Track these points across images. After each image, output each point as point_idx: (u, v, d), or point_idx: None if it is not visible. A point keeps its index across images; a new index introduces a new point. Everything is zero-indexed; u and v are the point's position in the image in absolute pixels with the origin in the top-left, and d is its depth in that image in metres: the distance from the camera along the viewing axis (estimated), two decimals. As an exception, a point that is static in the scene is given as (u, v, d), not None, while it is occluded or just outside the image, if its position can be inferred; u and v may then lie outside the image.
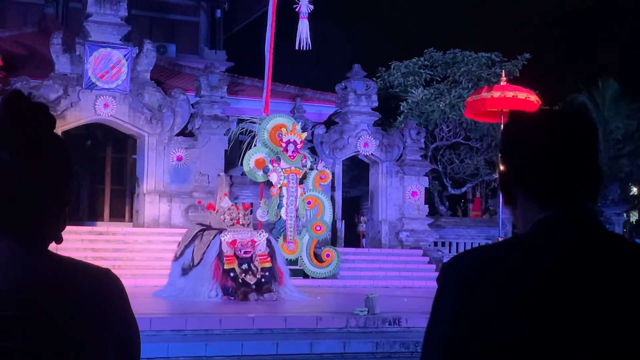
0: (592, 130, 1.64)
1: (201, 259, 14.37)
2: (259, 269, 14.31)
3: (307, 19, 20.40)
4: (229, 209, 15.19)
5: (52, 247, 1.53)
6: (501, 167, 1.68)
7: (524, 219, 1.64)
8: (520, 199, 1.65)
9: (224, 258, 14.21)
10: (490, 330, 1.50)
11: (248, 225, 15.10)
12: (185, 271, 14.61)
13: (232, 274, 14.18)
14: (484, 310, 1.51)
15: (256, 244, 14.46)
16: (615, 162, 28.81)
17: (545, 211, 1.60)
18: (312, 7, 20.37)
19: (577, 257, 1.53)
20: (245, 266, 14.22)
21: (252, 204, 20.20)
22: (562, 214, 1.59)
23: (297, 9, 20.39)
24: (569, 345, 1.48)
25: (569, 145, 1.60)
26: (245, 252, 14.26)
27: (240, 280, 14.16)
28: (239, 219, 14.98)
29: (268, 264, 14.45)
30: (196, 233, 15.06)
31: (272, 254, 14.64)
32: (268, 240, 14.76)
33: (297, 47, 20.31)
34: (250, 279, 14.17)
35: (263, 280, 14.21)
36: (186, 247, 14.94)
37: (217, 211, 15.36)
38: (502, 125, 16.97)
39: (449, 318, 1.54)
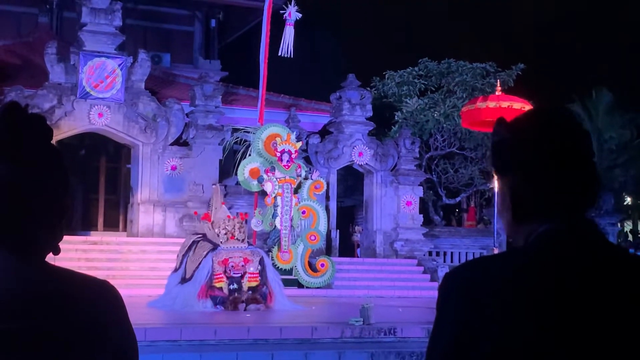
0: (583, 131, 1.62)
1: (192, 275, 14.29)
2: (246, 288, 14.26)
3: (293, 27, 20.42)
4: (224, 221, 14.99)
5: (49, 257, 1.53)
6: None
7: (525, 232, 1.62)
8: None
9: (214, 277, 14.16)
10: (490, 341, 1.50)
11: (243, 240, 14.83)
12: (182, 280, 14.54)
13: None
14: (485, 320, 1.51)
15: (248, 263, 14.39)
16: (610, 172, 28.87)
17: (545, 224, 1.59)
18: (299, 15, 20.39)
19: (578, 271, 1.53)
20: (234, 285, 14.16)
21: (247, 213, 20.17)
22: (564, 228, 1.58)
23: (284, 17, 20.41)
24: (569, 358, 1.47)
25: (563, 145, 1.58)
26: (235, 273, 14.23)
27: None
28: (233, 233, 14.81)
29: (255, 283, 14.38)
30: (191, 242, 15.01)
31: (262, 273, 14.53)
32: (261, 259, 14.68)
33: (279, 54, 20.34)
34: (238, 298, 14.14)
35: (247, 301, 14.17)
36: (183, 256, 14.89)
37: (213, 222, 15.22)
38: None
39: (451, 327, 1.54)
